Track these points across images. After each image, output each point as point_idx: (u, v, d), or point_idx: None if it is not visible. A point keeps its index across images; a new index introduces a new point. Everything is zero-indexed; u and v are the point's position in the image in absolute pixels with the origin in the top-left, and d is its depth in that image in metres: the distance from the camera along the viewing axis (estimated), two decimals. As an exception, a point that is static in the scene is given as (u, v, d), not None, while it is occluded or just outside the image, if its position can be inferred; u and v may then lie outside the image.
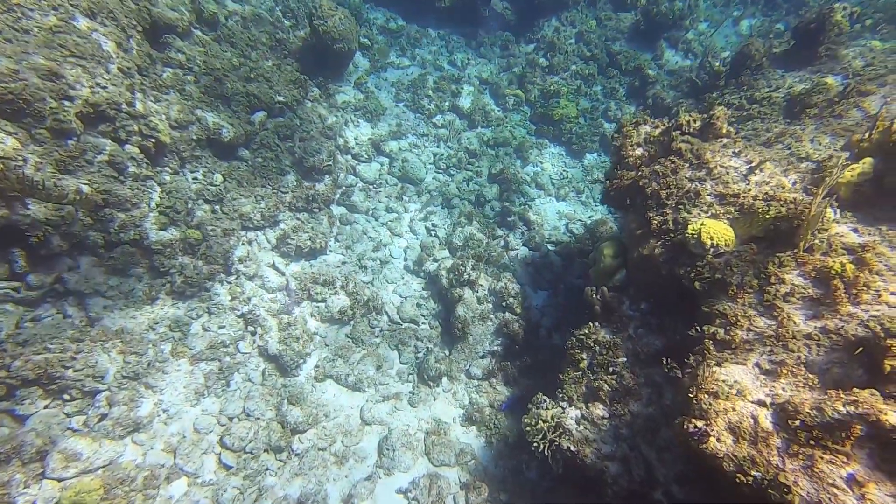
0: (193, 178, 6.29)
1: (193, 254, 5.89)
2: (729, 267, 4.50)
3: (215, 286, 6.11)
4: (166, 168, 5.98)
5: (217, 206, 6.52)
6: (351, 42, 8.59)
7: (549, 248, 9.08)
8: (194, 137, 6.27)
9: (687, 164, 5.45)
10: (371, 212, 8.61)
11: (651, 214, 5.46)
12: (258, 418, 5.76)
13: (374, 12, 11.21)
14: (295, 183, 7.57)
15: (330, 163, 7.75)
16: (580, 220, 9.76)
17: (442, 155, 9.76)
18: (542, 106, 11.08)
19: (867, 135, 4.51)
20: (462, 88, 10.61)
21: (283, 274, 6.91)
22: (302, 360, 6.16)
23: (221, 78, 6.86)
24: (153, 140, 5.63)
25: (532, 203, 9.81)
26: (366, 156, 9.02)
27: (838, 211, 4.22)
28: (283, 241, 7.07)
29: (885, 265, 3.92)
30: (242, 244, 6.70)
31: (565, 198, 10.12)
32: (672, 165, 5.53)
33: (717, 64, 8.68)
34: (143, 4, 6.07)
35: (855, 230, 4.27)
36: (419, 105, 9.96)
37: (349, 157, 8.92)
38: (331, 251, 7.82)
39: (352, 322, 7.05)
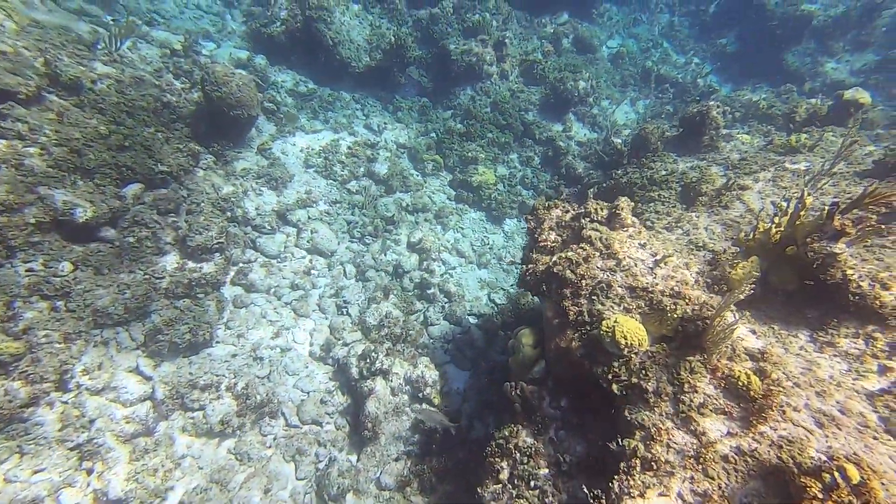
0: (27, 271, 5.04)
1: (6, 374, 4.55)
2: (644, 370, 4.32)
3: (39, 412, 4.74)
4: (-15, 259, 4.72)
5: (60, 303, 5.25)
6: (251, 108, 7.96)
7: (471, 321, 8.71)
8: (32, 221, 5.09)
9: (598, 253, 5.42)
10: (273, 290, 7.67)
11: (567, 304, 5.28)
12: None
13: (282, 74, 10.75)
14: (176, 265, 6.48)
15: (221, 240, 6.81)
16: (502, 288, 9.60)
17: (356, 223, 9.21)
18: (461, 172, 11.14)
19: (752, 235, 4.72)
20: (378, 154, 10.32)
21: (148, 379, 5.67)
22: (160, 500, 4.89)
23: (82, 149, 5.80)
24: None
25: (453, 272, 9.50)
26: (269, 227, 8.18)
27: (736, 314, 4.26)
28: (153, 337, 5.88)
29: (784, 373, 3.95)
30: (94, 346, 5.42)
31: (487, 265, 9.98)
32: (584, 253, 5.46)
33: (619, 143, 9.29)
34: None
35: (753, 331, 4.33)
36: (331, 171, 9.44)
37: (249, 228, 8.01)
38: (218, 342, 6.69)
39: (237, 433, 5.92)
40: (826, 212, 4.06)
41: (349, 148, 9.93)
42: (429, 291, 8.66)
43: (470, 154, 11.14)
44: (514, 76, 12.97)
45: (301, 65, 11.33)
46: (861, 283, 4.04)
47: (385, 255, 9.15)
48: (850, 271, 4.03)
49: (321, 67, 11.37)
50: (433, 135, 11.73)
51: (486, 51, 12.28)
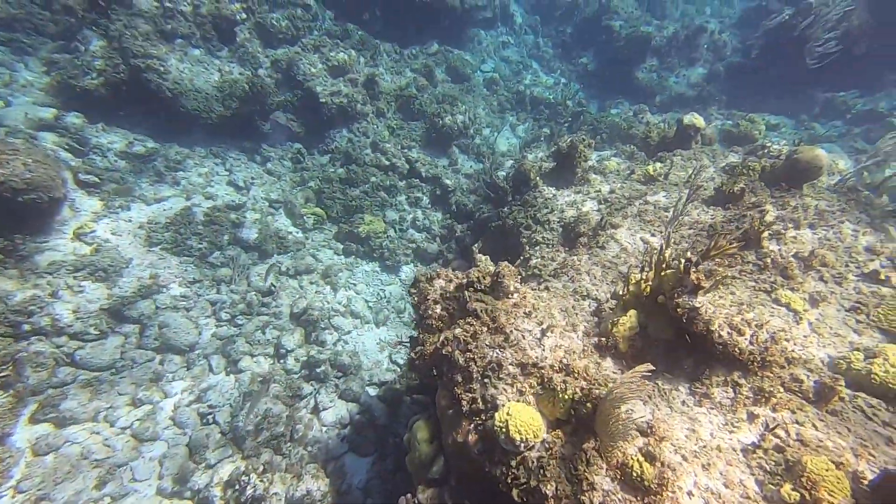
0: None
1: None
2: (542, 470, 3.88)
3: None
4: None
5: None
6: (52, 189, 6.36)
7: (371, 393, 7.86)
8: None
9: (485, 329, 4.98)
10: (103, 415, 6.08)
11: (459, 391, 4.73)
12: None
13: (108, 135, 9.02)
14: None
15: (6, 371, 5.17)
16: (404, 343, 8.91)
17: (224, 302, 7.88)
18: (347, 222, 10.32)
19: (626, 289, 4.61)
20: (245, 216, 9.07)
21: None
22: None
23: None
24: None
25: (348, 337, 8.59)
26: (96, 332, 6.56)
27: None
28: None
29: (672, 443, 3.77)
30: None
31: (385, 322, 9.22)
32: (472, 329, 4.98)
33: (501, 181, 9.23)
34: None
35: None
36: (185, 246, 8.00)
37: (64, 338, 6.33)
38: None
39: None
40: (682, 267, 4.03)
41: (206, 215, 8.54)
42: (318, 370, 7.65)
43: (354, 203, 10.37)
44: (392, 112, 12.56)
45: (134, 121, 9.67)
46: (721, 333, 4.09)
47: (264, 333, 7.95)
48: (713, 325, 4.03)
49: (163, 123, 9.82)
50: (311, 184, 10.76)
51: (357, 90, 11.69)
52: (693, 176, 6.11)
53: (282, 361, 7.73)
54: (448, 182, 11.14)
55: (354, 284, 9.59)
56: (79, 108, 9.31)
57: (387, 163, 11.42)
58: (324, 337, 8.21)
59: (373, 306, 9.36)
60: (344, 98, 11.27)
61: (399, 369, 8.43)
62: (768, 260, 5.38)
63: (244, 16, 11.41)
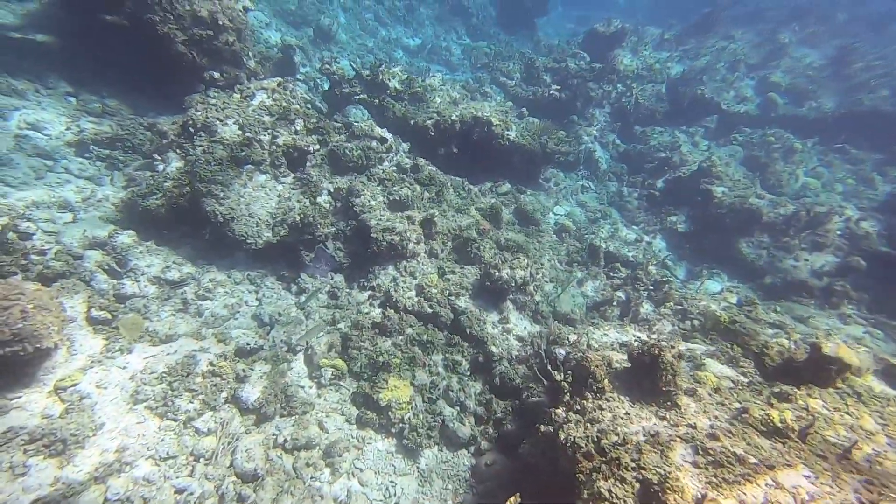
0: None
1: None
2: None
3: None
4: None
5: None
6: (42, 339, 5.80)
7: None
8: None
9: None
10: None
11: None
12: None
13: (150, 256, 8.93)
14: None
15: None
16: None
17: (192, 493, 6.47)
18: (369, 380, 8.95)
19: None
20: (252, 369, 8.06)
21: None
22: None
23: None
24: None
25: (332, 557, 6.65)
26: (21, 520, 5.36)
27: None
28: None
29: None
30: None
31: (386, 537, 7.19)
32: None
33: (559, 376, 7.52)
34: None
35: None
36: (172, 405, 6.93)
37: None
38: None
39: None
40: None
41: (211, 364, 7.65)
42: None
43: (382, 358, 9.09)
44: (446, 253, 11.77)
45: (180, 241, 9.65)
46: None
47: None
48: None
49: (206, 244, 9.72)
50: (341, 326, 9.78)
51: (413, 228, 11.15)
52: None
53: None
54: (494, 350, 9.58)
55: (361, 470, 7.86)
56: (138, 226, 9.50)
57: (429, 311, 10.26)
58: (301, 554, 6.36)
59: (379, 506, 7.46)
60: (397, 236, 10.71)
61: None
62: None
63: (318, 147, 11.82)
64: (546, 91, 19.38)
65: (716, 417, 6.10)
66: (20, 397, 5.91)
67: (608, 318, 12.07)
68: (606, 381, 7.20)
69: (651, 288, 12.05)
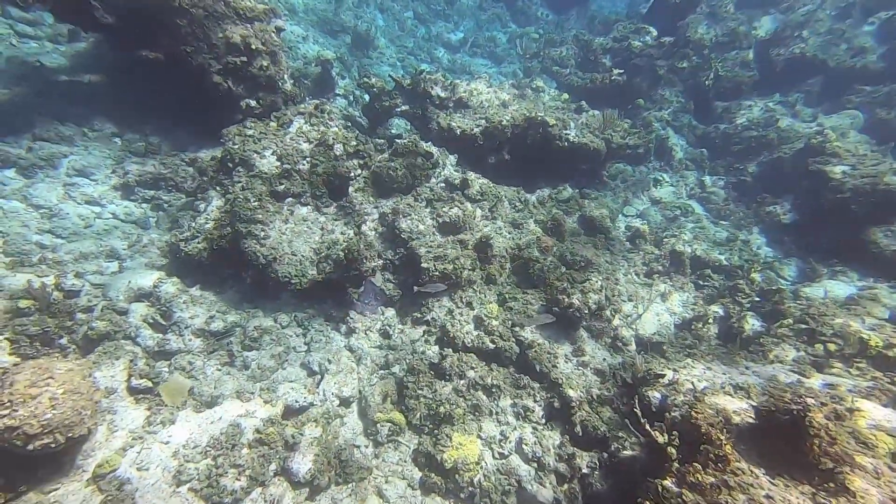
0: None
1: None
2: None
3: None
4: None
5: None
6: (74, 427, 5.39)
7: None
8: None
9: None
10: None
11: None
12: None
13: (193, 307, 8.57)
14: None
15: None
16: None
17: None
18: (430, 434, 8.03)
19: None
20: (302, 433, 7.37)
21: None
22: None
23: None
24: None
25: None
26: None
27: None
28: None
29: None
30: None
31: None
32: None
33: (660, 437, 6.12)
34: None
35: None
36: (216, 486, 6.33)
37: None
38: None
39: None
40: None
41: (258, 431, 7.04)
42: None
43: (443, 407, 8.13)
44: (505, 276, 10.58)
45: (224, 284, 9.27)
46: None
47: None
48: None
49: (248, 287, 9.27)
50: (395, 370, 8.94)
51: (467, 253, 10.08)
52: None
53: None
54: (571, 394, 8.28)
55: (422, 550, 6.94)
56: (182, 270, 9.25)
57: (491, 346, 9.15)
58: None
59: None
60: (449, 265, 9.68)
61: None
62: None
63: (359, 171, 11.09)
64: (607, 77, 17.46)
65: (902, 520, 4.49)
66: (58, 489, 5.59)
67: (703, 338, 10.30)
68: (729, 447, 5.73)
69: (756, 299, 10.10)
